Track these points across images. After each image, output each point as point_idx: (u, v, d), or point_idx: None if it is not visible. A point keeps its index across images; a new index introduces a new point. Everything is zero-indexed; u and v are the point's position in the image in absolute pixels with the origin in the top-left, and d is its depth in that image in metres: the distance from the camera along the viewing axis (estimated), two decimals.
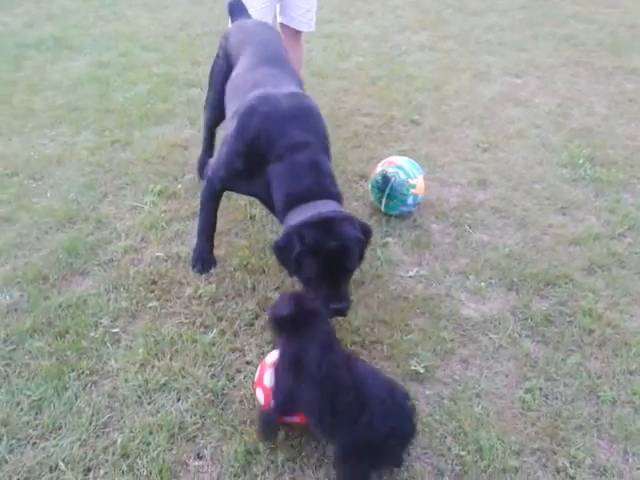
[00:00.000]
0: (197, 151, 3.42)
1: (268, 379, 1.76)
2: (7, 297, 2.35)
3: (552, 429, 1.84)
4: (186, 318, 2.25)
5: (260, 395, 1.82)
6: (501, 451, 1.77)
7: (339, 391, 1.57)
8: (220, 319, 2.25)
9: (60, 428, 1.82)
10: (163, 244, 2.67)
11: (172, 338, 2.15)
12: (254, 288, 2.40)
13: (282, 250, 1.99)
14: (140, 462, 1.72)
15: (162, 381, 1.98)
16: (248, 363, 2.06)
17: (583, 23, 5.95)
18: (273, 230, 2.74)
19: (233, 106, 2.37)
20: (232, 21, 3.08)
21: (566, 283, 2.46)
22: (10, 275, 2.47)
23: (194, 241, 2.55)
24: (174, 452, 1.76)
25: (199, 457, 1.76)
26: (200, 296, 2.35)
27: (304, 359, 1.61)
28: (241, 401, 1.91)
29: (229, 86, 2.56)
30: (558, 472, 1.73)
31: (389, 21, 6.09)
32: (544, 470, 1.74)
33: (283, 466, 1.71)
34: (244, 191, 2.48)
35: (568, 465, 1.74)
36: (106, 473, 1.70)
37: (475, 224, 2.85)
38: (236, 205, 2.91)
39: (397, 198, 2.80)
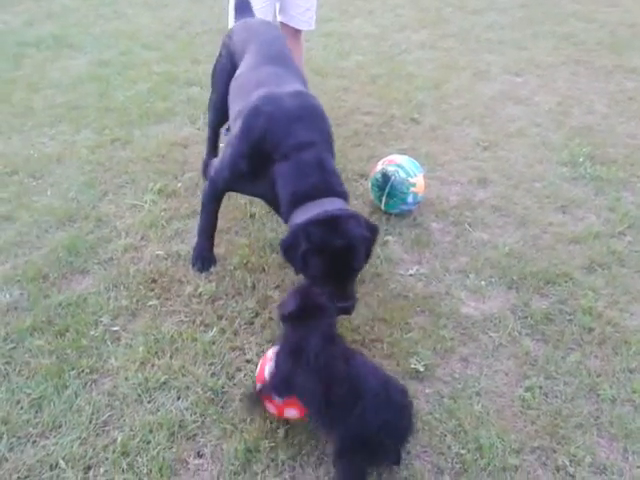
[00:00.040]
0: (197, 149, 3.43)
1: (268, 373, 1.78)
2: (7, 295, 2.35)
3: (552, 427, 1.85)
4: (186, 316, 2.26)
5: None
6: (501, 449, 1.77)
7: (334, 382, 1.59)
8: (220, 317, 2.25)
9: (60, 426, 1.83)
10: (163, 242, 2.67)
11: (172, 336, 2.15)
12: (254, 286, 2.40)
13: (289, 248, 1.98)
14: (140, 460, 1.72)
15: (162, 379, 1.98)
16: (248, 361, 2.06)
17: (583, 22, 5.94)
18: (273, 229, 2.75)
19: (237, 106, 2.36)
20: (237, 18, 3.07)
21: (566, 281, 2.46)
22: (10, 273, 2.47)
23: (194, 239, 2.55)
24: (174, 450, 1.76)
25: (199, 455, 1.76)
26: (200, 294, 2.35)
27: (304, 347, 1.63)
28: (241, 399, 1.91)
29: (233, 85, 2.55)
30: (558, 470, 1.73)
31: (389, 20, 6.08)
32: (544, 468, 1.74)
33: (283, 464, 1.72)
34: (247, 192, 2.47)
35: (568, 463, 1.74)
36: (106, 471, 1.70)
37: (475, 223, 2.85)
38: (236, 204, 2.91)
39: (397, 196, 2.80)
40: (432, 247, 2.68)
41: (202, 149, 3.36)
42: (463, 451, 1.77)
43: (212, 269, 2.49)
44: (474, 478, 1.70)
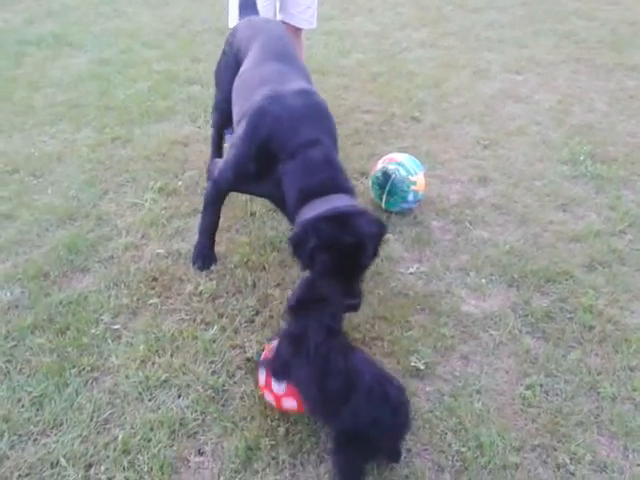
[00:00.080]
0: (198, 148, 3.43)
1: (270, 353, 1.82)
2: (8, 294, 2.36)
3: (552, 425, 1.85)
4: (187, 315, 2.26)
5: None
6: (501, 447, 1.77)
7: (331, 375, 1.60)
8: (221, 316, 2.25)
9: (61, 424, 1.83)
10: (163, 241, 2.67)
11: (173, 335, 2.16)
12: (254, 285, 2.41)
13: (298, 244, 1.95)
14: (141, 458, 1.72)
15: (163, 378, 1.98)
16: (249, 360, 2.06)
17: (584, 20, 5.93)
18: (273, 227, 2.75)
19: (240, 105, 2.35)
20: (241, 16, 3.06)
21: (566, 280, 2.46)
22: (11, 272, 2.47)
23: (194, 238, 2.55)
24: (175, 448, 1.76)
25: (200, 453, 1.76)
26: (201, 293, 2.36)
27: (307, 337, 1.65)
28: (242, 397, 1.92)
29: (237, 83, 2.53)
30: (558, 468, 1.73)
31: (389, 18, 6.08)
32: (544, 466, 1.74)
33: (284, 462, 1.72)
34: (252, 192, 2.46)
35: (568, 461, 1.75)
36: (107, 469, 1.70)
37: (475, 221, 2.85)
38: (237, 202, 2.91)
39: (398, 195, 2.80)
40: (432, 245, 2.68)
41: (203, 147, 3.37)
42: (463, 449, 1.77)
43: (213, 267, 2.49)
44: (474, 476, 1.70)
